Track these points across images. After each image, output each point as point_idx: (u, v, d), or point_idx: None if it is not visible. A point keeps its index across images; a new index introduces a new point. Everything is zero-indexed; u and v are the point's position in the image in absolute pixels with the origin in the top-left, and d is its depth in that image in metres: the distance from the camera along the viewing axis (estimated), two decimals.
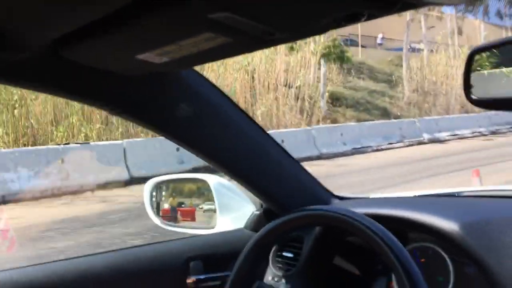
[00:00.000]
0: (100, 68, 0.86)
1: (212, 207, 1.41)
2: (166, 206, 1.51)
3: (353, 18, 0.60)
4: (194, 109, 1.03)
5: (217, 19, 0.60)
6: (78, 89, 0.92)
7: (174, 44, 0.70)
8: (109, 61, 0.84)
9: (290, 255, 1.27)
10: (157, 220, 1.46)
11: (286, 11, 0.60)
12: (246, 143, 1.16)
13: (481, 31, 19.44)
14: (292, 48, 14.05)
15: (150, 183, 1.50)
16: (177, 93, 1.01)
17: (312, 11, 0.60)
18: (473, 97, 0.88)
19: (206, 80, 1.06)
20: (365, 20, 0.60)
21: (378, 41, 25.81)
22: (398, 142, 13.03)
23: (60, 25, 0.66)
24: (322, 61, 14.32)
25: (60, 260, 1.17)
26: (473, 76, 0.90)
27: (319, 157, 10.67)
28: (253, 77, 13.17)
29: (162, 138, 1.09)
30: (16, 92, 9.18)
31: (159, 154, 8.31)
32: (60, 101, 9.59)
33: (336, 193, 1.37)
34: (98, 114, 9.98)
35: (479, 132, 15.82)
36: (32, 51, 0.77)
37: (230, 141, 1.14)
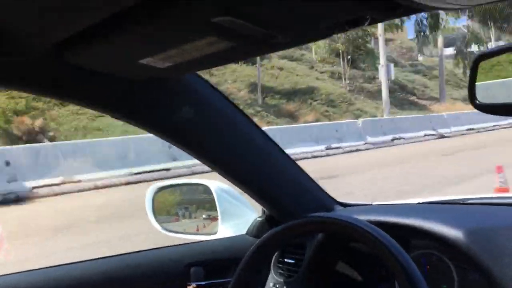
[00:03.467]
0: (103, 72, 0.86)
1: (214, 213, 1.40)
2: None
3: (357, 22, 0.59)
4: (196, 113, 1.03)
5: (220, 23, 0.60)
6: (81, 93, 0.92)
7: (177, 49, 0.70)
8: (112, 66, 0.84)
9: (292, 261, 1.26)
10: (158, 226, 1.45)
11: (289, 15, 0.60)
12: (248, 148, 1.15)
13: None
14: None
15: (152, 188, 1.49)
16: (179, 97, 1.01)
17: (315, 15, 0.60)
18: (478, 102, 0.88)
19: (208, 84, 1.06)
20: (369, 24, 0.60)
21: None
22: None
23: (62, 28, 0.66)
24: None
25: (58, 266, 1.17)
26: (478, 82, 0.89)
27: None
28: None
29: None
30: None
31: None
32: None
33: (339, 200, 1.36)
34: None
35: None
36: (35, 55, 0.77)
37: (233, 146, 1.13)
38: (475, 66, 0.88)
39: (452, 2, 0.53)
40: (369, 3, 0.56)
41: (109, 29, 0.65)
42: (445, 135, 15.91)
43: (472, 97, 0.88)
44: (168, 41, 0.69)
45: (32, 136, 11.24)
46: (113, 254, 1.26)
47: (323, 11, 0.59)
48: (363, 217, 1.02)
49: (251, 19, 0.60)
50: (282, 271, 1.27)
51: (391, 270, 0.86)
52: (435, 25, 22.76)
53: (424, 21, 23.14)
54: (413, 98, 22.73)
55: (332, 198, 1.34)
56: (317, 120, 15.49)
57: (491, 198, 1.32)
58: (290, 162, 1.24)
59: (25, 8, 0.59)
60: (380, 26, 18.06)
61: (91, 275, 1.15)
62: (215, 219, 1.40)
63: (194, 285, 1.24)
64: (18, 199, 7.82)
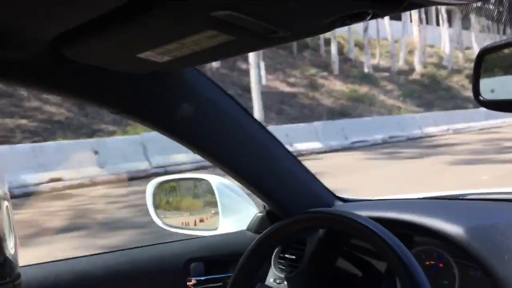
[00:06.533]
0: (101, 67, 0.85)
1: (214, 209, 1.39)
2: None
3: (358, 17, 0.59)
4: (196, 109, 1.02)
5: (219, 17, 0.59)
6: (79, 88, 0.91)
7: (176, 42, 0.69)
8: (110, 60, 0.83)
9: (292, 257, 1.26)
10: (158, 221, 1.45)
11: (290, 9, 0.59)
12: (249, 144, 1.15)
13: None
14: None
15: (153, 183, 1.49)
16: (179, 92, 1.00)
17: (316, 10, 0.59)
18: (482, 98, 0.86)
19: (208, 79, 1.05)
20: (371, 18, 0.59)
21: None
22: None
23: (60, 22, 0.65)
24: None
25: (58, 261, 1.16)
26: (482, 78, 0.88)
27: None
28: None
29: None
30: None
31: None
32: None
33: (339, 195, 1.35)
34: None
35: None
36: (33, 51, 0.76)
37: (233, 141, 1.12)
38: (479, 61, 0.86)
39: None
40: None
41: (107, 23, 0.64)
42: None
43: (476, 93, 0.86)
44: (167, 35, 0.68)
45: None
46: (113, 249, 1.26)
47: (325, 6, 0.58)
48: (363, 213, 1.01)
49: (251, 13, 0.59)
50: (283, 267, 1.27)
51: (392, 266, 0.86)
52: None
53: None
54: None
55: (332, 193, 1.33)
56: None
57: (492, 193, 1.31)
58: (290, 157, 1.23)
59: (21, 3, 0.58)
60: None
61: (91, 270, 1.14)
62: (215, 214, 1.39)
63: (194, 280, 1.24)
64: None
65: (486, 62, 0.86)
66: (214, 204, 1.39)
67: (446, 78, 23.70)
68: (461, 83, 23.52)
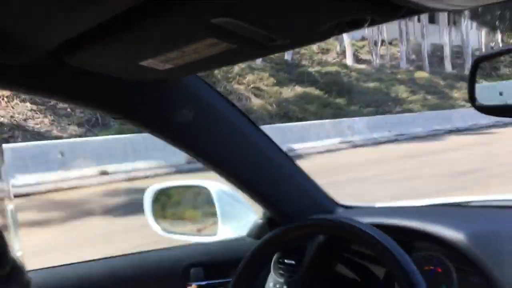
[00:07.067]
0: (103, 74, 0.86)
1: (214, 216, 1.39)
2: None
3: (357, 24, 0.59)
4: (196, 115, 1.03)
5: (220, 25, 0.60)
6: (81, 94, 0.92)
7: (177, 50, 0.70)
8: (112, 67, 0.84)
9: (292, 262, 1.26)
10: (157, 228, 1.45)
11: (289, 17, 0.60)
12: (248, 149, 1.15)
13: None
14: None
15: (151, 190, 1.49)
16: (179, 99, 1.01)
17: (314, 17, 0.60)
18: (479, 104, 0.88)
19: (208, 86, 1.06)
20: (368, 26, 0.60)
21: None
22: None
23: (62, 31, 0.66)
24: None
25: (58, 266, 1.17)
26: (478, 84, 0.89)
27: None
28: None
29: None
30: None
31: None
32: None
33: (340, 201, 1.36)
34: None
35: None
36: (35, 57, 0.77)
37: (233, 148, 1.13)
38: (475, 68, 0.88)
39: (453, 3, 0.53)
40: (370, 4, 0.56)
41: (109, 31, 0.65)
42: None
43: (472, 99, 0.88)
44: (169, 43, 0.69)
45: None
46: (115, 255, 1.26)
47: (324, 13, 0.59)
48: (364, 219, 1.02)
49: (251, 21, 0.60)
50: (282, 272, 1.27)
51: (392, 272, 0.86)
52: None
53: None
54: None
55: (333, 199, 1.33)
56: None
57: (494, 201, 1.31)
58: (291, 163, 1.24)
59: (25, 11, 0.59)
60: None
61: (94, 275, 1.15)
62: (215, 220, 1.40)
63: (195, 286, 1.24)
64: None
65: (481, 69, 0.87)
66: (213, 210, 1.39)
67: (235, 77, 14.43)
68: (256, 85, 14.63)
